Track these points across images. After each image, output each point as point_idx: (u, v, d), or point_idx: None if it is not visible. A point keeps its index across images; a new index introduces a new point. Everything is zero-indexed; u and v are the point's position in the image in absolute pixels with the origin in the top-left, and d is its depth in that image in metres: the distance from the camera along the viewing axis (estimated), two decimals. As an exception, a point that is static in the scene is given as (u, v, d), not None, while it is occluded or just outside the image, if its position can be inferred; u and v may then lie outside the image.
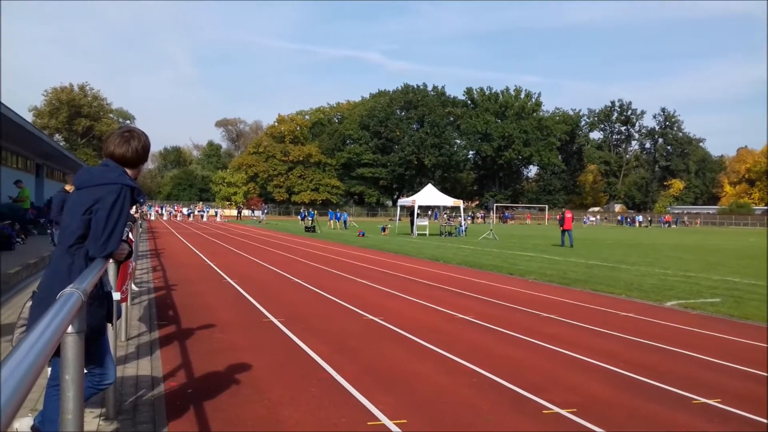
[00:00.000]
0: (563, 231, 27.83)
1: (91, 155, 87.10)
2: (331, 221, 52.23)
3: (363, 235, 35.44)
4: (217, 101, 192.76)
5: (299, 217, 63.56)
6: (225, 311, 9.30)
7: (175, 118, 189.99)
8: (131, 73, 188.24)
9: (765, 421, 4.70)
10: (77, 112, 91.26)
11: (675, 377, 5.89)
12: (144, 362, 6.19)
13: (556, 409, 4.88)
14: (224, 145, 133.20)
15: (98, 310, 3.32)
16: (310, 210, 62.73)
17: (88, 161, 72.20)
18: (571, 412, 4.81)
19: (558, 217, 28.75)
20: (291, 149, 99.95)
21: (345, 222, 54.03)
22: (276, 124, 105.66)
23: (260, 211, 78.59)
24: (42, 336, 1.33)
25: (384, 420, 4.57)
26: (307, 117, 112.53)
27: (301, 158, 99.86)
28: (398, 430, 4.38)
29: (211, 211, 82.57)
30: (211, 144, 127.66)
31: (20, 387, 1.01)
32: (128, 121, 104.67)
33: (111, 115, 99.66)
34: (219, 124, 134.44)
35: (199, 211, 71.11)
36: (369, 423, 4.52)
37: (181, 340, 7.27)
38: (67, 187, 9.79)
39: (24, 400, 1.04)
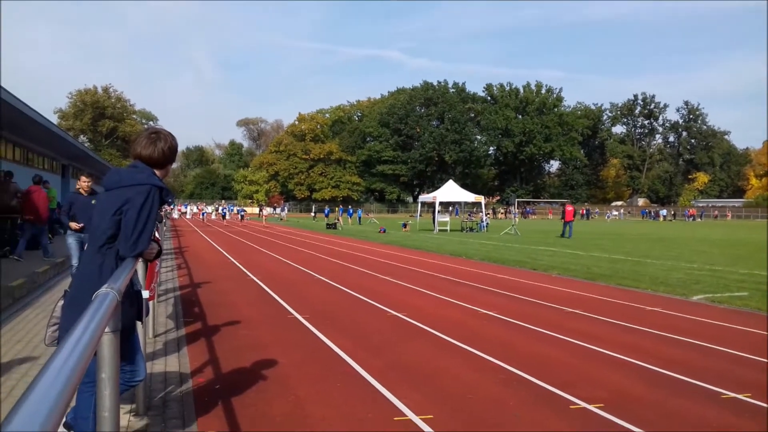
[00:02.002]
0: (565, 223, 31.11)
1: (116, 156, 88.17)
2: (341, 217, 52.49)
3: (384, 231, 35.47)
4: (239, 101, 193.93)
5: (324, 214, 64.08)
6: (249, 308, 9.38)
7: (197, 118, 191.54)
8: (154, 74, 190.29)
9: (797, 416, 4.63)
10: (101, 114, 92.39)
11: (703, 372, 5.83)
12: (172, 359, 6.27)
13: (584, 405, 4.86)
14: (246, 144, 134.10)
15: (129, 308, 3.37)
16: (339, 207, 63.09)
17: (113, 161, 73.11)
18: (598, 407, 4.79)
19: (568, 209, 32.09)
20: (311, 147, 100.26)
21: (359, 218, 54.66)
22: (297, 122, 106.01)
23: (281, 209, 78.98)
24: (83, 336, 1.36)
25: (410, 415, 4.58)
26: (327, 115, 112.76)
27: (321, 156, 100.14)
28: (425, 425, 4.40)
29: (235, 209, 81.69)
30: (232, 143, 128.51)
31: (66, 389, 1.04)
32: (151, 122, 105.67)
33: (134, 116, 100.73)
34: (240, 123, 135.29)
35: (222, 209, 66.61)
36: (395, 418, 4.54)
37: (207, 336, 7.35)
38: (82, 183, 9.77)
39: (70, 401, 1.07)
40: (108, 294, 1.99)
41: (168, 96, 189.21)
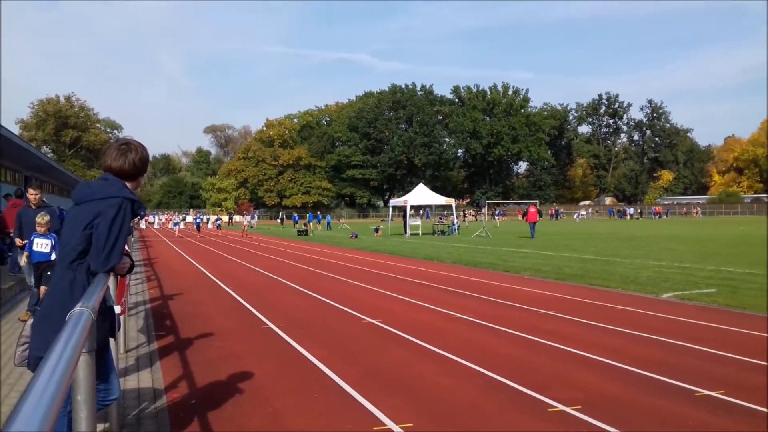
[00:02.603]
0: (530, 224, 31.83)
1: (80, 166, 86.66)
2: (311, 223, 52.33)
3: (356, 237, 35.41)
4: (206, 107, 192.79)
5: (293, 221, 63.62)
6: (223, 319, 9.26)
7: (163, 125, 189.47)
8: (118, 82, 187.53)
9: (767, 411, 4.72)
10: (64, 123, 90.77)
11: (676, 370, 5.91)
12: (144, 374, 6.16)
13: (561, 407, 4.89)
14: (213, 151, 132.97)
15: (102, 325, 3.29)
16: (308, 213, 62.85)
17: (77, 172, 71.81)
18: (575, 409, 4.82)
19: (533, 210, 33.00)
20: (280, 153, 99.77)
21: (329, 223, 54.64)
22: (265, 128, 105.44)
23: (250, 216, 78.14)
24: (60, 361, 1.31)
25: (390, 424, 4.56)
26: (295, 120, 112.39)
27: (290, 162, 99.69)
28: (405, 433, 4.38)
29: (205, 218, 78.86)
30: (200, 150, 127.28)
31: (48, 418, 1.00)
32: (116, 131, 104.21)
33: (98, 125, 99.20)
34: (207, 130, 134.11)
35: (197, 219, 53.95)
36: (375, 428, 4.51)
37: (181, 350, 7.24)
38: (30, 196, 8.89)
39: (53, 427, 1.02)
40: (83, 313, 1.93)
41: (133, 104, 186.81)
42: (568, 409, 4.83)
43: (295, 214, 68.98)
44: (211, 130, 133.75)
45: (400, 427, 4.48)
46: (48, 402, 1.05)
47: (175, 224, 48.41)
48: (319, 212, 63.14)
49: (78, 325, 1.74)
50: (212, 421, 4.73)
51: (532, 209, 32.66)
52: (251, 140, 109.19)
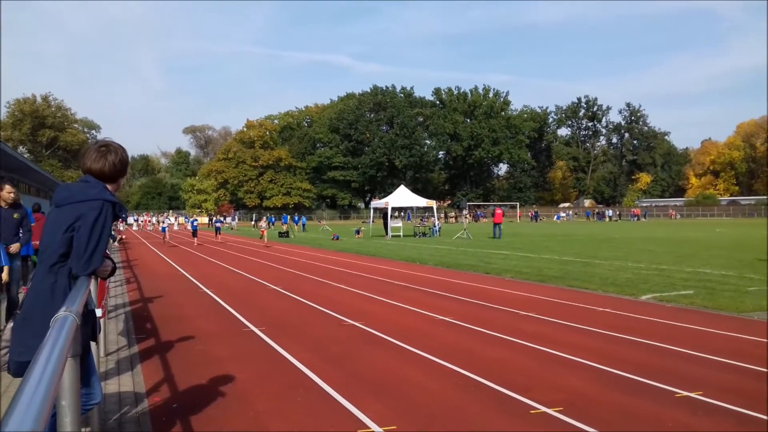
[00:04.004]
0: (495, 224, 33.89)
1: (57, 166, 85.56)
2: (286, 225, 52.34)
3: (337, 238, 35.36)
4: (185, 108, 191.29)
5: (269, 222, 63.39)
6: (204, 322, 9.20)
7: (142, 125, 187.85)
8: (96, 82, 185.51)
9: (747, 412, 4.79)
10: (41, 123, 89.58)
11: (656, 371, 5.97)
12: (125, 378, 6.10)
13: (543, 409, 4.92)
14: (193, 152, 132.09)
15: (84, 328, 3.26)
16: (284, 215, 62.83)
17: (54, 173, 70.86)
18: (557, 411, 4.85)
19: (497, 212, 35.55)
20: (261, 154, 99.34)
21: (303, 225, 54.64)
22: (245, 129, 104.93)
23: (231, 217, 77.63)
24: (47, 366, 1.30)
25: (374, 427, 4.56)
26: (275, 121, 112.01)
27: (271, 163, 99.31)
28: (388, 436, 4.38)
29: (180, 219, 76.65)
30: (179, 151, 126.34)
31: (38, 422, 0.99)
32: (93, 131, 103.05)
33: (76, 125, 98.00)
34: (187, 131, 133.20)
35: (192, 222, 37.68)
36: (359, 431, 4.50)
37: (162, 353, 7.17)
38: (4, 194, 8.37)
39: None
40: (67, 317, 1.91)
41: (112, 104, 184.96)
42: (550, 411, 4.86)
43: (271, 216, 68.92)
44: (191, 130, 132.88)
45: (384, 430, 4.48)
46: (37, 408, 1.04)
47: (164, 229, 36.67)
48: (296, 214, 63.02)
49: (63, 330, 1.72)
50: (194, 424, 4.69)
51: (498, 210, 35.37)
52: (231, 141, 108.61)
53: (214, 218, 46.20)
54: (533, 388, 5.46)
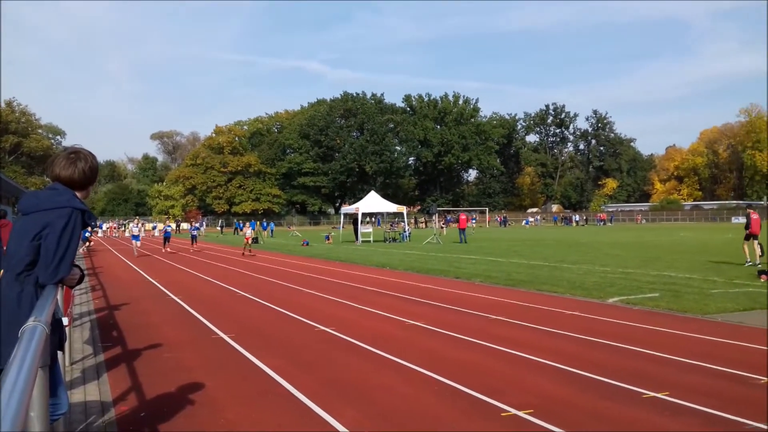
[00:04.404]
0: (460, 230, 35.25)
1: (20, 173, 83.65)
2: (253, 231, 51.96)
3: (307, 244, 35.21)
4: (153, 114, 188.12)
5: (235, 227, 63.05)
6: (172, 329, 9.09)
7: (108, 131, 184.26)
8: (61, 87, 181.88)
9: (713, 411, 4.89)
10: (4, 129, 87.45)
11: (624, 373, 6.07)
12: (91, 387, 5.99)
13: (514, 411, 4.97)
14: (160, 157, 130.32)
15: (52, 338, 3.20)
16: (251, 221, 62.40)
17: (17, 179, 69.33)
18: (528, 414, 4.90)
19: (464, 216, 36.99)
20: (230, 160, 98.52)
21: (272, 231, 54.37)
22: (214, 135, 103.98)
23: (199, 224, 76.62)
24: (18, 379, 1.28)
25: (346, 433, 4.55)
26: (245, 127, 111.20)
27: (240, 168, 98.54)
28: (361, 442, 4.38)
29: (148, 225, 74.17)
30: (146, 157, 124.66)
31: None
32: (59, 137, 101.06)
33: (40, 131, 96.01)
34: (154, 136, 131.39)
35: (166, 229, 33.67)
36: (331, 437, 4.49)
37: (129, 361, 7.07)
38: None
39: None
40: (36, 327, 1.88)
41: (77, 109, 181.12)
42: (522, 414, 4.91)
43: (238, 221, 68.48)
44: (158, 136, 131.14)
45: (356, 436, 4.48)
46: (11, 421, 1.02)
47: (135, 237, 29.38)
48: (264, 220, 62.59)
49: (33, 341, 1.69)
50: (164, 434, 4.63)
51: (462, 216, 36.88)
52: (200, 147, 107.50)
53: (190, 226, 40.03)
54: (505, 391, 5.51)
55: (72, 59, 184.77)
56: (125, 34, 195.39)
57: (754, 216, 17.63)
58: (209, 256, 27.40)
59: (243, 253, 26.97)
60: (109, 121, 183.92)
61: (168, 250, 30.39)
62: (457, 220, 38.70)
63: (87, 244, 32.94)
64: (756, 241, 17.30)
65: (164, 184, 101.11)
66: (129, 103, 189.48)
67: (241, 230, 59.78)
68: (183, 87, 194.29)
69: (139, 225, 31.10)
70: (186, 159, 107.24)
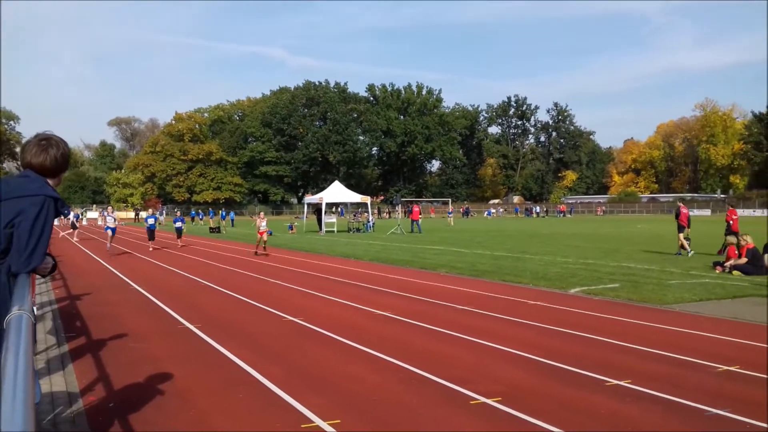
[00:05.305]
0: (412, 221, 36.25)
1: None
2: (212, 219, 51.66)
3: (271, 234, 34.94)
4: (110, 99, 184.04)
5: (190, 216, 62.31)
6: (137, 320, 8.97)
7: (64, 117, 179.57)
8: (14, 72, 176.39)
9: (674, 398, 5.06)
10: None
11: (588, 361, 6.23)
12: (57, 377, 5.90)
13: (483, 399, 5.07)
14: (118, 144, 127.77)
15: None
16: (210, 209, 61.76)
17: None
18: (496, 401, 5.01)
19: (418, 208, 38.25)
20: (190, 148, 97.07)
21: (232, 220, 53.96)
22: (173, 122, 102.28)
23: (159, 212, 75.41)
24: (18, 368, 1.28)
25: (318, 421, 4.59)
26: (206, 115, 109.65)
27: (200, 157, 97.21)
28: (333, 430, 4.42)
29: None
30: (103, 144, 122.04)
31: (29, 421, 0.99)
32: (12, 122, 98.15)
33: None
34: (112, 123, 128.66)
35: (151, 219, 25.20)
36: (303, 426, 4.52)
37: (94, 352, 6.97)
38: None
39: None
40: (22, 316, 1.86)
41: (31, 94, 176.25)
42: (490, 401, 5.01)
43: (194, 210, 67.76)
44: (116, 122, 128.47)
45: (329, 424, 4.52)
46: (22, 410, 1.03)
47: (111, 229, 23.29)
48: (223, 209, 61.96)
49: (21, 330, 1.69)
50: (134, 423, 4.60)
51: (416, 208, 37.78)
52: (159, 134, 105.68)
53: (175, 217, 31.96)
54: (472, 380, 5.60)
55: (20, 42, 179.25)
56: (77, 16, 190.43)
57: (684, 210, 18.64)
58: (170, 245, 26.97)
59: (255, 252, 20.86)
60: (64, 106, 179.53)
61: (152, 247, 23.81)
62: (410, 211, 39.94)
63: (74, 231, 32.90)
64: (683, 234, 18.31)
65: (122, 171, 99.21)
66: (85, 88, 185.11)
67: (201, 219, 58.97)
68: (141, 72, 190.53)
69: (114, 214, 24.41)
70: (145, 146, 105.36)
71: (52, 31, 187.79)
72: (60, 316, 9.22)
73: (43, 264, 3.19)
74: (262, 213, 22.82)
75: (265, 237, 20.46)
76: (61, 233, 32.16)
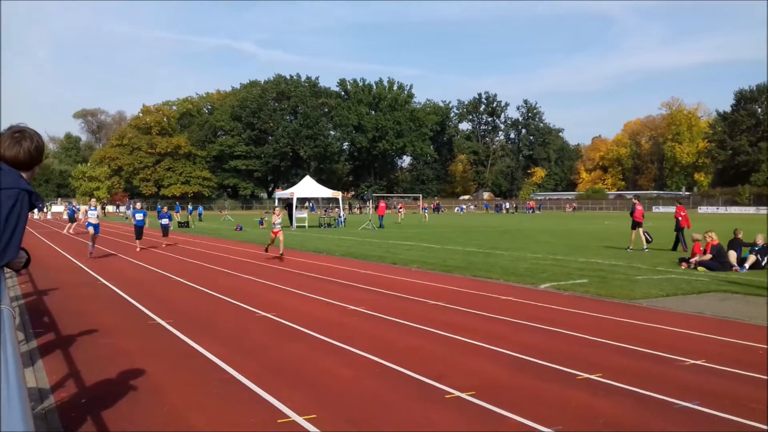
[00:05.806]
0: (379, 216, 38.29)
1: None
2: (179, 214, 51.11)
3: (241, 229, 34.75)
4: (76, 91, 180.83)
5: (156, 210, 61.27)
6: (106, 315, 8.85)
7: (27, 108, 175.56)
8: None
9: (643, 392, 5.18)
10: None
11: (559, 356, 6.33)
12: (26, 374, 5.78)
13: (457, 393, 5.12)
14: (84, 137, 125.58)
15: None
16: (177, 204, 61.08)
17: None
18: (470, 395, 5.07)
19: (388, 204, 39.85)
20: (158, 141, 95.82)
21: (200, 215, 53.49)
22: (141, 114, 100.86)
23: (125, 207, 74.35)
24: (9, 363, 1.27)
25: (294, 416, 4.59)
26: (174, 108, 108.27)
27: (168, 150, 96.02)
28: (309, 425, 4.43)
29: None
30: (69, 136, 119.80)
31: (27, 417, 0.99)
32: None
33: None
34: (78, 115, 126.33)
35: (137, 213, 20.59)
36: (279, 420, 4.52)
37: (64, 347, 6.87)
38: None
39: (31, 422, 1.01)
40: (3, 311, 1.84)
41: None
42: (464, 395, 5.07)
43: (159, 205, 66.99)
44: (82, 114, 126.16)
45: (304, 419, 4.53)
46: (20, 407, 1.03)
47: (94, 227, 18.78)
48: (191, 203, 61.29)
49: (5, 324, 1.67)
50: (107, 420, 4.55)
51: (382, 204, 40.22)
52: (126, 127, 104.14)
53: (159, 212, 28.26)
54: (447, 375, 5.66)
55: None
56: (44, 7, 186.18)
57: (639, 207, 19.14)
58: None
59: (266, 249, 18.26)
60: (27, 97, 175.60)
61: (140, 247, 20.69)
62: (376, 207, 41.45)
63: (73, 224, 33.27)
64: (642, 230, 18.80)
65: (88, 164, 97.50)
66: (48, 79, 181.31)
67: (158, 213, 57.73)
68: (108, 65, 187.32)
69: (97, 209, 20.47)
70: (111, 139, 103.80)
71: (19, 22, 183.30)
72: (27, 312, 9.05)
73: (17, 258, 3.15)
74: (278, 209, 19.40)
75: (281, 236, 17.20)
76: (64, 231, 32.24)
